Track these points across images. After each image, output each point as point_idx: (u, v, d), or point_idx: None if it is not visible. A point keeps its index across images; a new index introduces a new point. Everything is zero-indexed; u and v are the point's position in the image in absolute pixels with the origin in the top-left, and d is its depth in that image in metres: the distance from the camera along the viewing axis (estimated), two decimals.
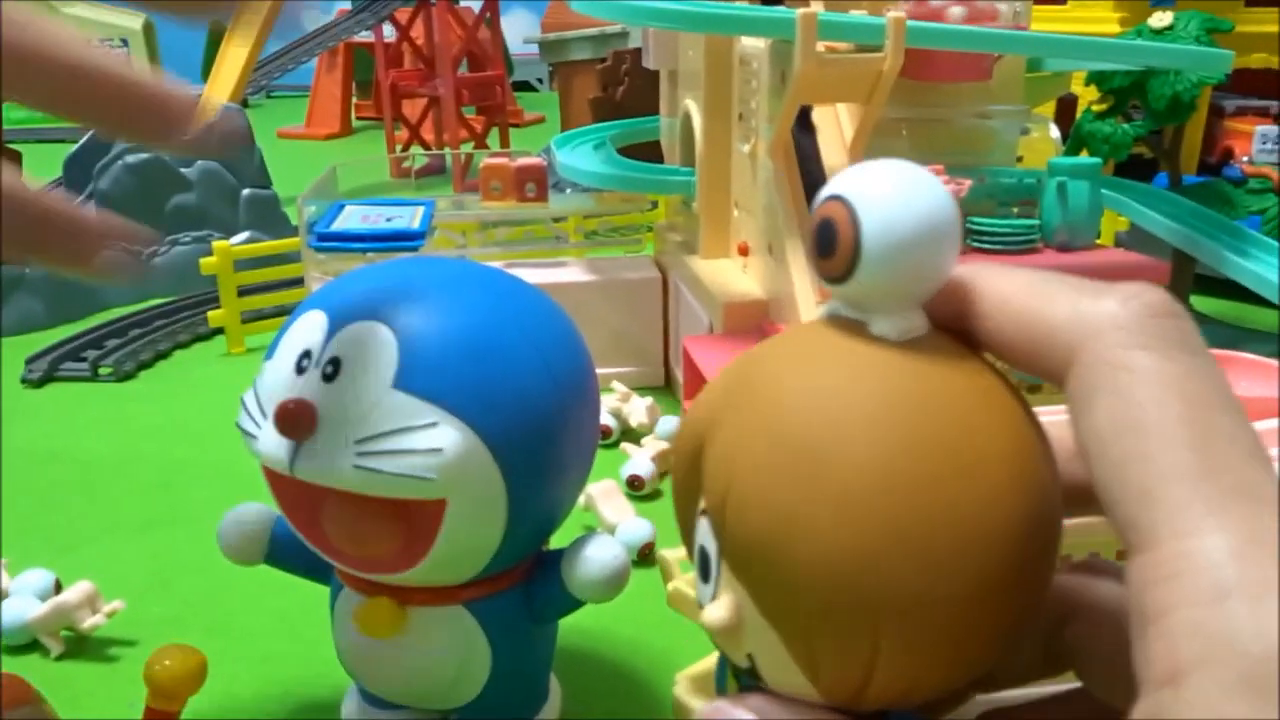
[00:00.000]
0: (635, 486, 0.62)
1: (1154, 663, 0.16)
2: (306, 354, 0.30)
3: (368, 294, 0.31)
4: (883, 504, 0.19)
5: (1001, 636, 0.21)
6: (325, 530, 0.31)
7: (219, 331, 0.96)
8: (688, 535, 0.25)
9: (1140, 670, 0.17)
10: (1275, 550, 0.16)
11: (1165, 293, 0.19)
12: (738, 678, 0.26)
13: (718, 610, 0.22)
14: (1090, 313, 0.19)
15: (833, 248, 0.21)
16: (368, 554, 0.31)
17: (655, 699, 0.44)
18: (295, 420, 0.28)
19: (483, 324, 0.31)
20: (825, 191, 0.22)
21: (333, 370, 0.29)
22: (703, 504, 0.23)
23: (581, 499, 0.54)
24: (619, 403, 0.71)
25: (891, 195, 0.21)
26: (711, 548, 0.23)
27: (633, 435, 0.69)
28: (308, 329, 0.30)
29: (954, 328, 0.22)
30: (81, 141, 1.38)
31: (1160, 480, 0.17)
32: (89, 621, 0.47)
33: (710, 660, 0.41)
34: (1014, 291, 0.21)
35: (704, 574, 0.24)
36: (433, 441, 0.28)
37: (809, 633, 0.20)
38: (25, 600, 0.48)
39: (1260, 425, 0.35)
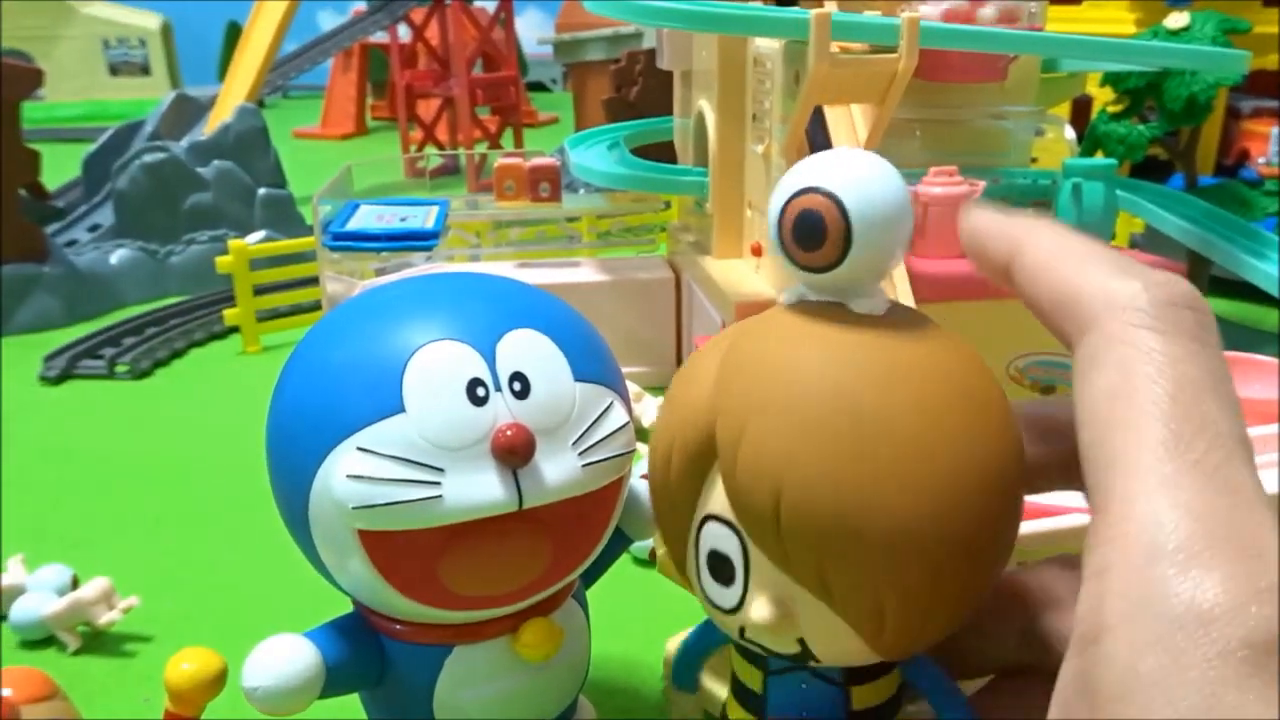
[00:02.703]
0: None
1: (1083, 619, 0.17)
2: (478, 382, 0.27)
3: (471, 309, 0.29)
4: (938, 465, 0.20)
5: (1005, 564, 0.23)
6: (463, 577, 0.28)
7: (234, 330, 0.96)
8: (678, 541, 0.25)
9: (1075, 626, 0.17)
10: (1215, 526, 0.16)
11: (1192, 287, 0.20)
12: (759, 664, 0.26)
13: (764, 610, 0.23)
14: (1115, 290, 0.20)
15: (820, 239, 0.22)
16: (521, 581, 0.29)
17: (645, 667, 0.44)
18: (521, 446, 0.26)
19: (567, 309, 0.31)
20: (794, 185, 0.22)
21: (522, 386, 0.28)
22: (712, 509, 0.23)
23: None
24: (631, 402, 0.71)
25: (869, 182, 0.22)
26: (734, 551, 0.23)
27: (645, 435, 0.69)
28: (447, 363, 0.27)
29: (992, 265, 0.23)
30: (100, 141, 1.40)
31: (1130, 448, 0.18)
32: (105, 618, 0.47)
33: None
34: (1055, 252, 0.22)
35: (723, 579, 0.23)
36: (621, 417, 0.30)
37: (878, 602, 0.21)
38: (43, 595, 0.48)
39: (1262, 430, 0.35)
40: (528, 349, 0.28)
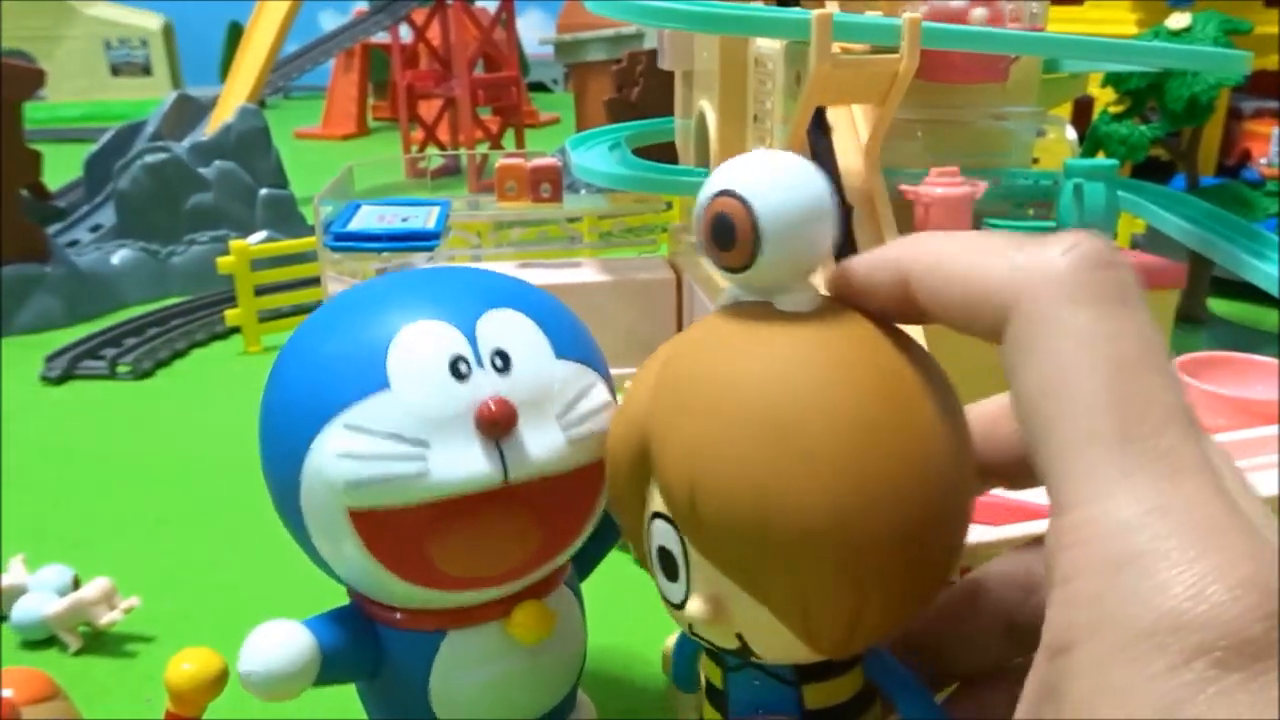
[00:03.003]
0: None
1: (1051, 629, 0.17)
2: (460, 359, 0.28)
3: (452, 292, 0.30)
4: (851, 460, 0.20)
5: (951, 562, 0.22)
6: (453, 557, 0.28)
7: (236, 330, 0.96)
8: (636, 540, 0.26)
9: (1043, 634, 0.17)
10: (1179, 519, 0.16)
11: (1105, 242, 0.18)
12: (719, 661, 0.26)
13: (699, 605, 0.23)
14: (1026, 266, 0.19)
15: (732, 240, 0.22)
16: (510, 562, 0.29)
17: (646, 664, 0.44)
18: (503, 417, 0.27)
19: (546, 295, 0.32)
20: (709, 189, 0.23)
21: (503, 362, 0.28)
22: (656, 507, 0.24)
23: None
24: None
25: (778, 183, 0.22)
26: (675, 547, 0.23)
27: None
28: (430, 340, 0.28)
29: (893, 297, 0.22)
30: (101, 142, 1.40)
31: (1078, 445, 0.17)
32: (106, 618, 0.47)
33: None
34: (952, 253, 0.20)
35: (669, 573, 0.24)
36: (604, 396, 0.30)
37: (802, 598, 0.21)
38: (44, 596, 0.48)
39: (1263, 431, 0.35)
40: (508, 327, 0.29)
